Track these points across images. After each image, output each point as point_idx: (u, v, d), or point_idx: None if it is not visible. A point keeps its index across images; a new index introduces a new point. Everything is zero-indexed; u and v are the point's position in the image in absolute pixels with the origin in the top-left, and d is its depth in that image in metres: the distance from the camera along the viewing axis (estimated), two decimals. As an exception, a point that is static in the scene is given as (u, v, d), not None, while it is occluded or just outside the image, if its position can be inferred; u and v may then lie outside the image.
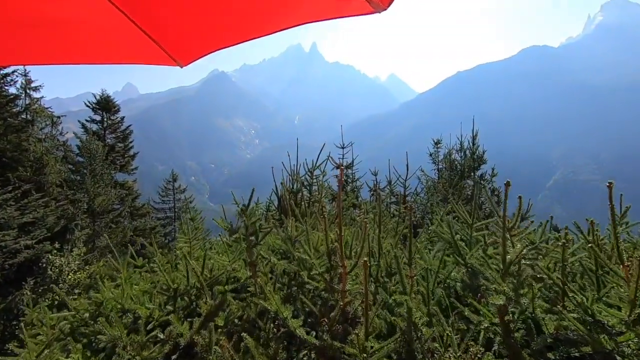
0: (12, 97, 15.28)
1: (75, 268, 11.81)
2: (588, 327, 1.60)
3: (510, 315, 1.64)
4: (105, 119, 21.54)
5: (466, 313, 1.80)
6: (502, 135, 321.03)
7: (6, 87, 14.93)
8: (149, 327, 2.25)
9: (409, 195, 7.14)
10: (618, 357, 1.54)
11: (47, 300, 11.46)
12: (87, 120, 21.10)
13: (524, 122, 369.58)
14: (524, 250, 1.64)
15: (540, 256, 1.92)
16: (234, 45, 1.33)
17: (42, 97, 20.52)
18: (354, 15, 1.05)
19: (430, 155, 10.95)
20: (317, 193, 4.83)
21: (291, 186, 4.76)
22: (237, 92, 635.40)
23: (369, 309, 1.71)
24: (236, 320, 2.21)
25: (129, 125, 22.62)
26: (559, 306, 1.68)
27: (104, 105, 21.33)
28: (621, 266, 1.72)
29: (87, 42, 1.39)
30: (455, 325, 1.79)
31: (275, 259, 2.35)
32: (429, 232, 3.85)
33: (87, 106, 21.42)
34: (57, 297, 11.69)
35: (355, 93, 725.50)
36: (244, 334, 1.83)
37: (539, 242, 1.99)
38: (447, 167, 9.45)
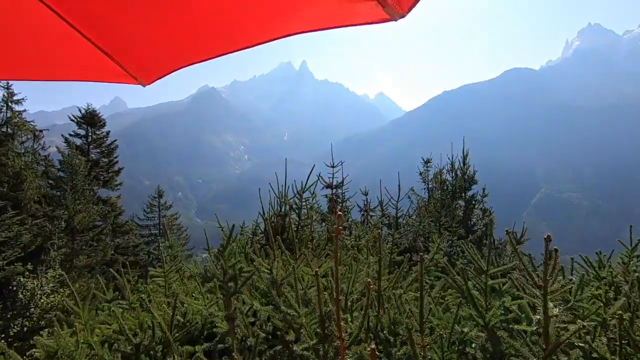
0: (-10, 110, 14.80)
1: (49, 291, 11.14)
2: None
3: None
4: (89, 134, 21.08)
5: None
6: (488, 153, 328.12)
7: (-15, 101, 14.46)
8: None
9: (401, 217, 6.97)
10: None
11: (16, 327, 10.74)
12: (70, 135, 20.60)
13: (509, 140, 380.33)
14: (563, 316, 1.38)
15: (579, 320, 1.66)
16: (205, 60, 1.12)
17: (25, 110, 19.98)
18: (363, 24, 0.86)
19: (420, 174, 10.84)
20: (306, 217, 4.58)
21: (279, 209, 4.51)
22: (227, 108, 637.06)
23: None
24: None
25: (114, 140, 22.19)
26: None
27: (89, 119, 20.91)
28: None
29: (33, 57, 1.16)
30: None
31: (259, 304, 2.06)
32: (426, 263, 3.64)
33: (72, 120, 20.96)
34: (26, 324, 10.98)
35: (345, 110, 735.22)
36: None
37: (574, 301, 1.71)
38: (438, 187, 9.35)
